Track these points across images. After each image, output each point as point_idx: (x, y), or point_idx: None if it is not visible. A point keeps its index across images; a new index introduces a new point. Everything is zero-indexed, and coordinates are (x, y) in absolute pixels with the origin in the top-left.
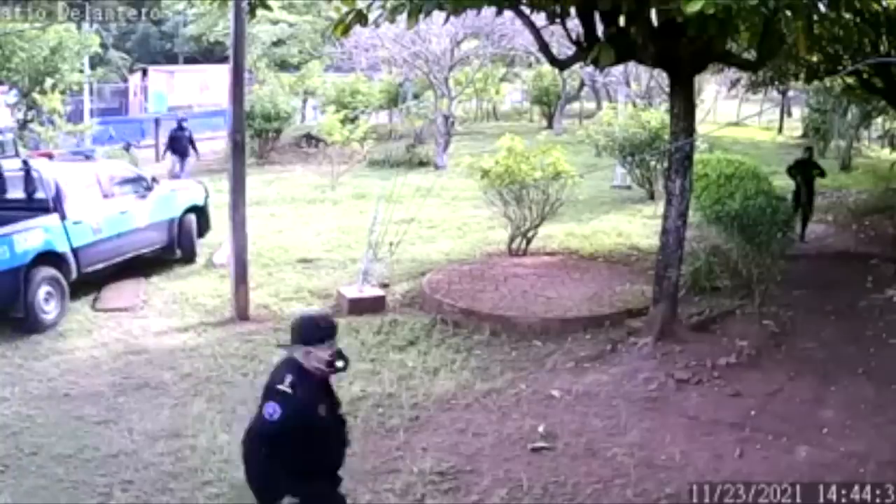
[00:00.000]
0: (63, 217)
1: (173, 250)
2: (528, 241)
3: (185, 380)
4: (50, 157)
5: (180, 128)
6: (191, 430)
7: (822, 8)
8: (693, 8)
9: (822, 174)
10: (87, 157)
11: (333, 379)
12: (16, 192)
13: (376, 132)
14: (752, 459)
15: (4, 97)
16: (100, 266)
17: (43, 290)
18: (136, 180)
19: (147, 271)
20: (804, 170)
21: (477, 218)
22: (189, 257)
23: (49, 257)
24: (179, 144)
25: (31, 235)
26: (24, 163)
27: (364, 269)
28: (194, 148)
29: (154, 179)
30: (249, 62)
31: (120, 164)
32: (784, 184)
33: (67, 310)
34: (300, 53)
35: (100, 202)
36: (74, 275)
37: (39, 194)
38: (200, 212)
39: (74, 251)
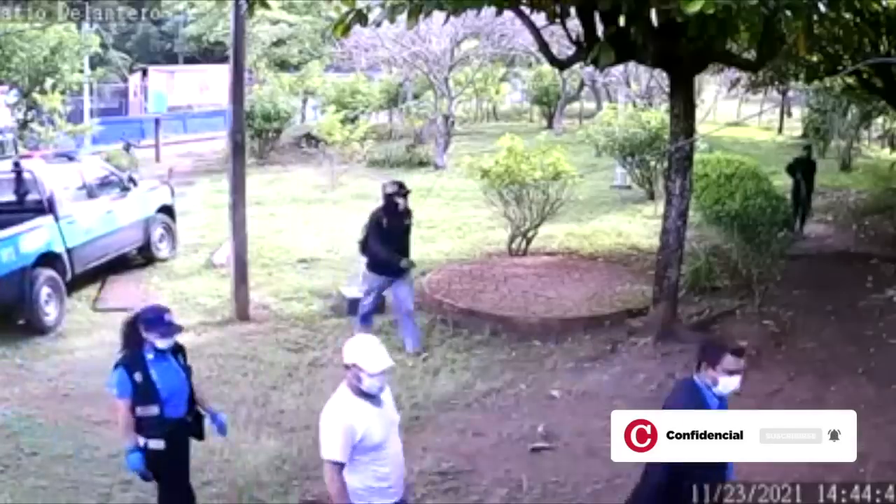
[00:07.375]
0: (57, 218)
1: (150, 248)
2: (528, 241)
3: None
4: (28, 157)
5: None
6: None
7: (822, 8)
8: (693, 8)
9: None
10: (71, 159)
11: None
12: (5, 195)
13: (376, 132)
14: None
15: (4, 97)
16: (91, 265)
17: (44, 292)
18: (116, 180)
19: (147, 272)
20: (805, 168)
21: (477, 218)
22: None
23: (48, 258)
24: (381, 257)
25: (34, 236)
26: (16, 164)
27: (364, 270)
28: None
29: (131, 179)
30: (249, 62)
31: (99, 164)
32: (784, 183)
33: (66, 311)
34: (300, 53)
35: (87, 202)
36: (69, 275)
37: (33, 195)
38: (169, 211)
39: (69, 251)
